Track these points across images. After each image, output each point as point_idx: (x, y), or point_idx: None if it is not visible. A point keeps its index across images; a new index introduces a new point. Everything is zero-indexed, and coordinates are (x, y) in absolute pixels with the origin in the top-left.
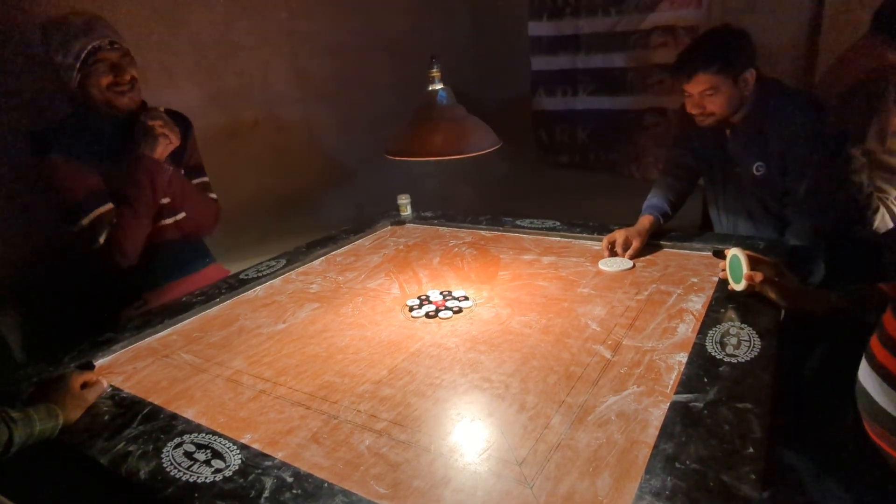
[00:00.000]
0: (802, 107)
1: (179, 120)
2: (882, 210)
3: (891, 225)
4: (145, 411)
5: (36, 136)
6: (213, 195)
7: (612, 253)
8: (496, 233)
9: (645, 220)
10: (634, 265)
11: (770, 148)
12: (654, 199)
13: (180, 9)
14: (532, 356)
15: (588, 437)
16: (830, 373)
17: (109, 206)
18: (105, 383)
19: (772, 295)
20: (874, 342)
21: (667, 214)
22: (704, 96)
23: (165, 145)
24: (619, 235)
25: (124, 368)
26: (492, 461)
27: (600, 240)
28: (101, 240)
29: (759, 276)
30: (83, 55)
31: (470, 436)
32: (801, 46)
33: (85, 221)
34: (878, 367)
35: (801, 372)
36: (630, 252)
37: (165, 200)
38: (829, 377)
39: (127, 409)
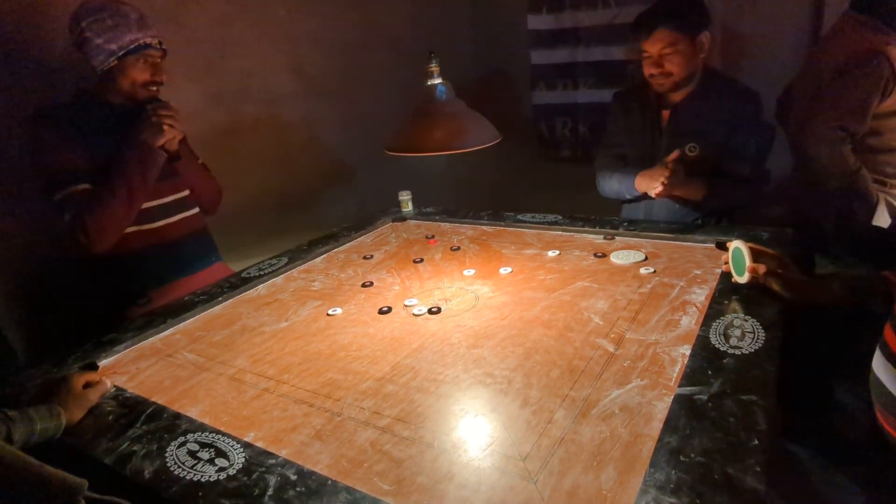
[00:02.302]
0: (742, 95)
1: None
2: (882, 205)
3: (887, 219)
4: (149, 411)
5: (41, 113)
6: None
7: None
8: (498, 227)
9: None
10: (647, 257)
11: (708, 131)
12: (625, 168)
13: (177, 7)
14: (535, 351)
15: (592, 431)
16: (838, 364)
17: (86, 186)
18: (108, 383)
19: (775, 286)
20: (888, 332)
21: None
22: (663, 55)
23: (169, 138)
24: (654, 175)
25: (128, 368)
26: (495, 456)
27: (602, 233)
28: (66, 217)
29: (761, 268)
30: (131, 47)
31: (473, 431)
32: (805, 33)
33: (57, 196)
34: (893, 358)
35: (808, 363)
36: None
37: (184, 193)
38: (837, 368)
39: (131, 408)
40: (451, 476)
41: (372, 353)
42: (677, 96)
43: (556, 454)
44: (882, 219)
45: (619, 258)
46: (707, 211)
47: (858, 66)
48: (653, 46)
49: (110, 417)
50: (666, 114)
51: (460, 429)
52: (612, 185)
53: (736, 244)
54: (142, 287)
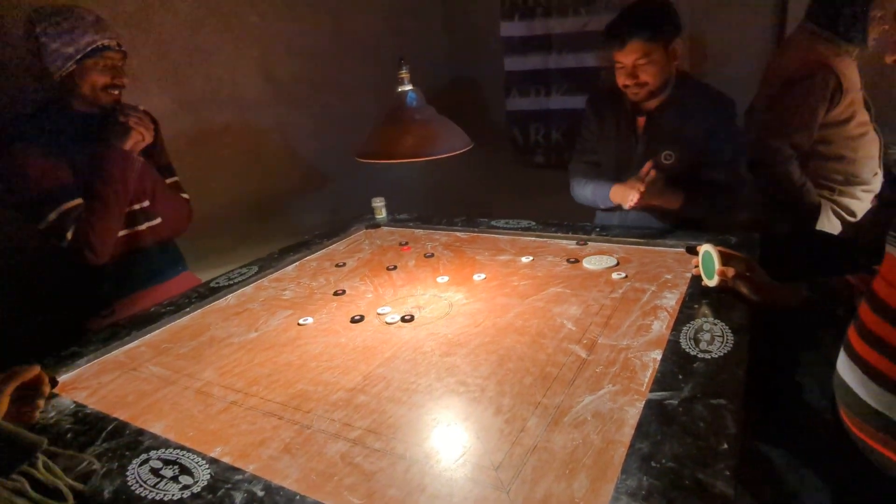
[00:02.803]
0: (717, 101)
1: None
2: (827, 211)
3: (837, 224)
4: (110, 427)
5: (3, 127)
6: (185, 195)
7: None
8: (472, 234)
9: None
10: (619, 262)
11: (683, 138)
12: (600, 179)
13: (144, 12)
14: (508, 358)
15: (564, 438)
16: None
17: (79, 200)
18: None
19: (743, 290)
20: (852, 334)
21: None
22: (637, 65)
23: (138, 140)
24: (627, 189)
25: (89, 383)
26: (468, 466)
27: (575, 239)
28: (69, 235)
29: (730, 272)
30: (88, 49)
31: (446, 441)
32: (768, 41)
33: (52, 216)
34: (857, 359)
35: (776, 364)
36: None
37: (145, 204)
38: (804, 369)
39: (91, 425)
40: (423, 487)
41: (343, 362)
42: (652, 103)
43: (529, 463)
44: (830, 225)
45: (592, 263)
46: (685, 220)
47: (805, 77)
48: (627, 57)
49: (69, 435)
50: (641, 120)
51: (433, 439)
52: (585, 193)
53: (705, 248)
54: (106, 298)
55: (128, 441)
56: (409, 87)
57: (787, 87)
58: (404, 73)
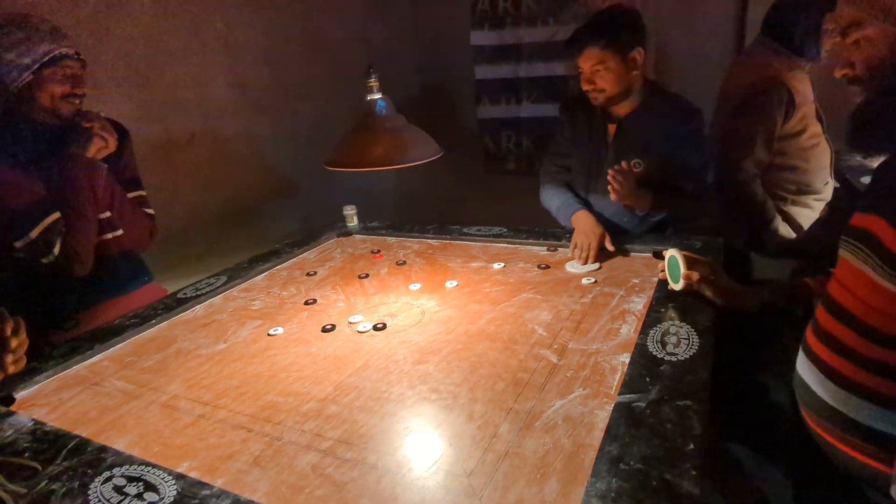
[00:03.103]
0: (685, 112)
1: (114, 128)
2: (778, 219)
3: (790, 232)
4: (71, 445)
5: None
6: (150, 210)
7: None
8: (444, 241)
9: (588, 217)
10: (601, 266)
11: (652, 147)
12: (569, 196)
13: (105, 17)
14: (480, 364)
15: (535, 443)
16: (768, 365)
17: (57, 214)
18: None
19: (708, 293)
20: (809, 335)
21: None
22: (594, 71)
23: (100, 147)
24: (583, 242)
25: (49, 400)
26: (440, 474)
27: (546, 245)
28: (56, 250)
29: (695, 276)
30: (45, 59)
31: (418, 449)
32: (728, 53)
33: (34, 233)
34: (814, 359)
35: (741, 366)
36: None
37: (106, 215)
38: (767, 370)
39: (50, 444)
40: (395, 497)
41: (314, 373)
42: (622, 111)
43: (501, 469)
44: (785, 233)
45: (574, 267)
46: (652, 223)
47: (761, 94)
48: (584, 63)
49: (26, 455)
50: (612, 128)
51: (405, 447)
52: (551, 206)
53: (671, 253)
54: (68, 310)
55: (90, 459)
56: (378, 96)
57: (745, 107)
58: (373, 82)
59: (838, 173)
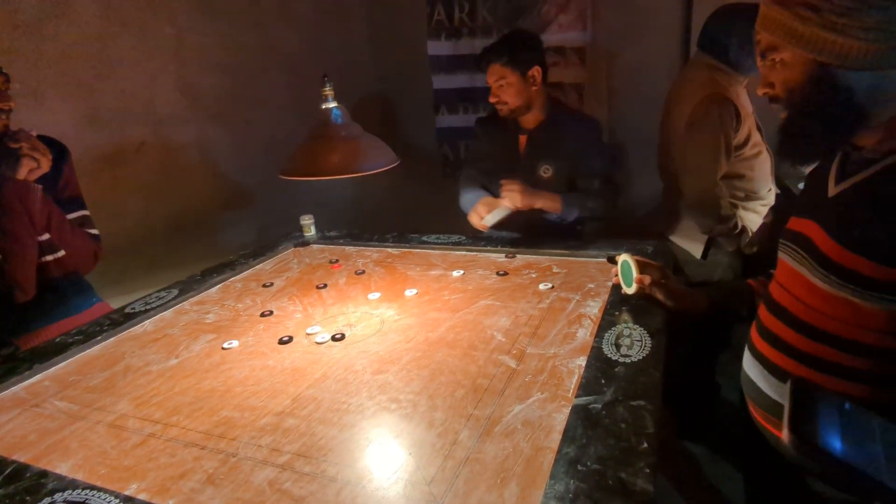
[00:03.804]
0: (585, 124)
1: (52, 146)
2: (738, 218)
3: (744, 236)
4: (8, 471)
5: None
6: (95, 231)
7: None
8: (403, 249)
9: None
10: (513, 209)
11: (560, 155)
12: (482, 191)
13: (46, 22)
14: (440, 372)
15: (495, 448)
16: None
17: None
18: None
19: (659, 296)
20: (754, 333)
21: None
22: (499, 86)
23: (31, 167)
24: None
25: None
26: (400, 484)
27: (504, 251)
28: None
29: (647, 279)
30: None
31: (378, 460)
32: (676, 65)
33: None
34: (758, 356)
35: (696, 368)
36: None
37: (44, 237)
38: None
39: None
40: None
41: (271, 386)
42: (530, 123)
43: (461, 475)
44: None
45: (494, 216)
46: (568, 222)
47: (709, 114)
48: (490, 78)
49: None
50: (523, 139)
51: (365, 459)
52: (463, 203)
53: (624, 257)
54: (7, 335)
55: (28, 485)
56: (333, 105)
57: (697, 128)
58: (328, 91)
59: (778, 180)
